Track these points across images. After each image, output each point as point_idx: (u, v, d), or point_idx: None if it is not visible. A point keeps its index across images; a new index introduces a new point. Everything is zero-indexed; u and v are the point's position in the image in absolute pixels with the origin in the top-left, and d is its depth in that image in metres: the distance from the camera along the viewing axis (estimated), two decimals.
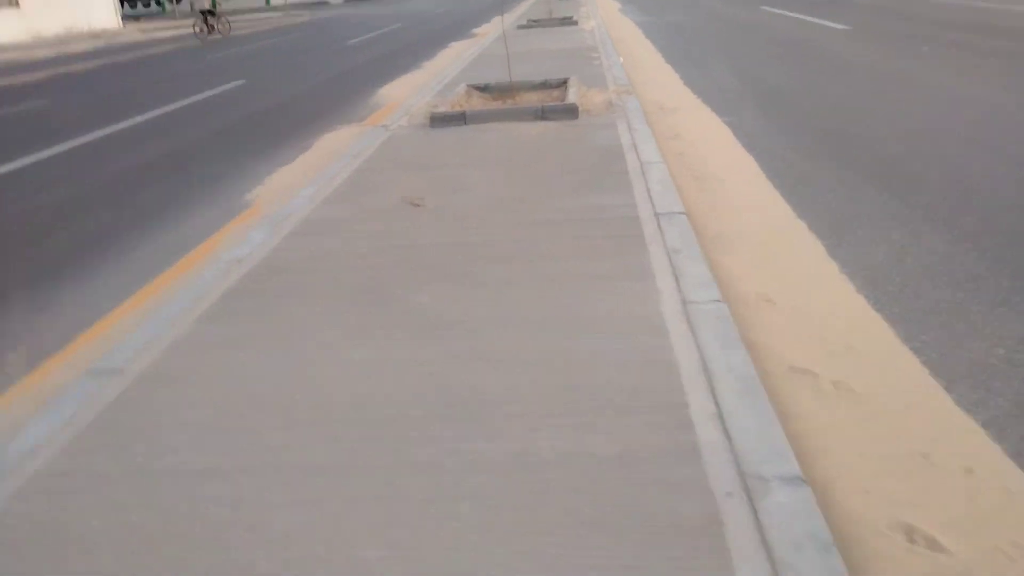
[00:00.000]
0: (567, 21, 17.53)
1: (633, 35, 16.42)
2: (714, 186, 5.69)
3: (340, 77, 13.46)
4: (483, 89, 9.05)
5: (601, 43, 13.60)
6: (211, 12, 23.79)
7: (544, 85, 8.95)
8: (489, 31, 19.28)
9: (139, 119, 10.45)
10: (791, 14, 17.88)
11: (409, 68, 13.77)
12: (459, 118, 7.39)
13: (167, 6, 43.72)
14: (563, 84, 8.86)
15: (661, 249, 3.98)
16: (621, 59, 11.86)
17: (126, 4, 56.25)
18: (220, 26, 24.61)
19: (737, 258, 4.29)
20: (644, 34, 16.52)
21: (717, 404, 2.55)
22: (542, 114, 7.31)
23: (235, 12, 49.26)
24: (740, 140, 6.99)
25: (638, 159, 5.77)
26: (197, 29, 23.78)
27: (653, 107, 8.51)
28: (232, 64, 17.12)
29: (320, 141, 8.21)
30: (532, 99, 8.42)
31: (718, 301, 3.36)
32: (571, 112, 7.28)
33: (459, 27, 22.63)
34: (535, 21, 18.12)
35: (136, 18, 51.15)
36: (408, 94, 10.33)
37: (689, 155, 6.58)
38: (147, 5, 56.86)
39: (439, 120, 7.41)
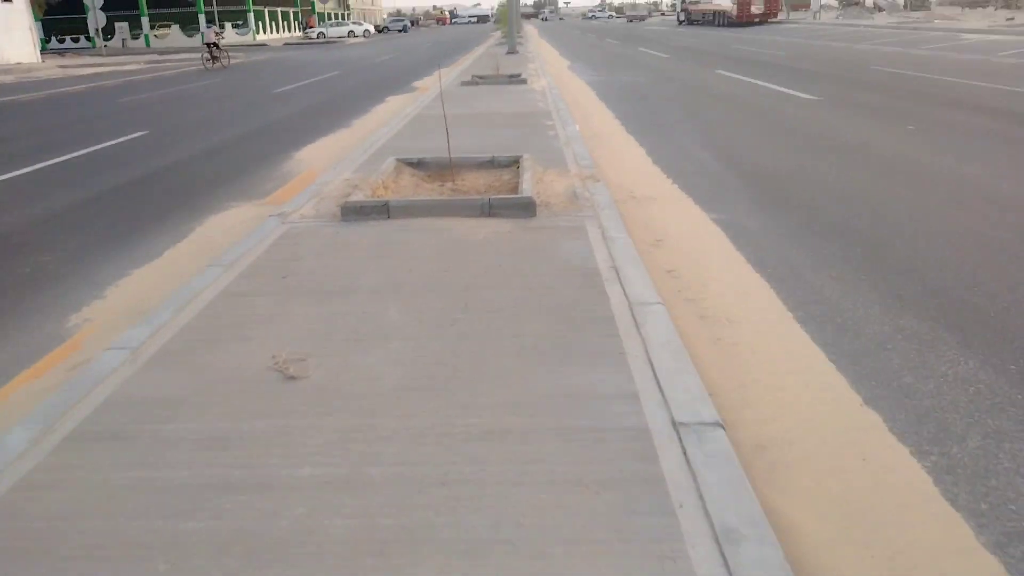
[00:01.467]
0: (515, 79, 16.00)
1: (587, 97, 14.95)
2: (730, 336, 3.97)
3: (255, 134, 11.55)
4: (416, 165, 7.27)
5: (554, 106, 12.02)
6: (216, 45, 27.91)
7: (492, 164, 7.22)
8: (431, 85, 17.63)
9: None
10: (748, 79, 16.70)
11: (335, 127, 11.95)
12: (381, 209, 5.57)
13: (96, 41, 41.20)
14: (515, 164, 7.15)
15: (704, 527, 2.20)
16: (577, 127, 10.27)
17: (53, 38, 53.30)
18: (223, 59, 28.02)
19: (812, 509, 2.53)
20: (597, 95, 15.07)
21: None
22: (490, 209, 5.55)
23: (167, 51, 46.92)
24: (741, 250, 5.34)
25: (624, 294, 4.03)
26: (205, 59, 27.75)
27: (623, 194, 6.85)
28: (142, 109, 15.04)
29: (201, 228, 6.29)
30: (477, 183, 6.67)
31: None
32: (527, 208, 5.54)
33: (400, 78, 20.97)
34: (481, 77, 16.55)
35: (62, 52, 48.29)
36: (326, 163, 8.49)
37: (683, 274, 4.89)
38: (76, 40, 53.96)
39: (354, 212, 5.58)
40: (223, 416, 2.88)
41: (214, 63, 27.65)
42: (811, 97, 13.55)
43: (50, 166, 9.28)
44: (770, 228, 5.83)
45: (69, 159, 9.70)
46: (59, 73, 28.83)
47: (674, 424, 2.74)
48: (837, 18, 52.57)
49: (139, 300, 4.63)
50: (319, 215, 5.80)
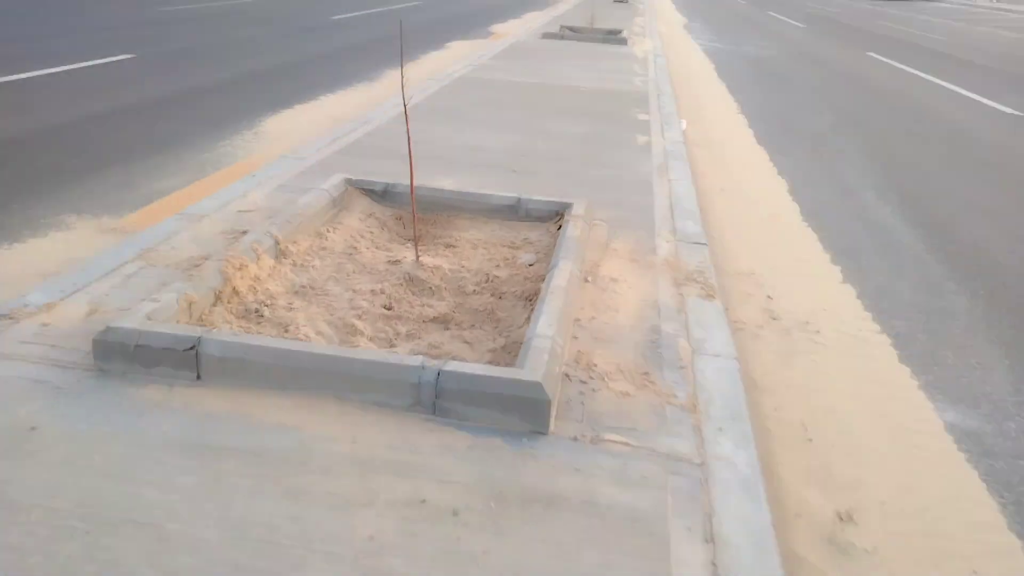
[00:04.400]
0: (613, 36, 12.20)
1: (702, 73, 11.10)
2: None
3: (262, 74, 8.28)
4: (379, 196, 3.90)
5: (656, 85, 8.33)
6: None
7: (515, 212, 3.81)
8: (513, 31, 14.00)
9: None
10: (913, 71, 12.46)
11: (359, 78, 8.59)
12: (183, 360, 2.23)
13: None
14: (555, 219, 3.72)
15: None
16: (684, 126, 6.65)
17: None
18: None
19: None
20: (717, 72, 11.21)
21: None
22: (432, 401, 2.18)
23: None
24: None
25: None
26: None
27: (757, 313, 3.37)
28: (164, 23, 11.95)
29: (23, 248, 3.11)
30: (470, 257, 3.25)
31: None
32: (529, 413, 2.19)
33: (481, 17, 17.32)
34: (571, 30, 12.83)
35: None
36: (280, 148, 5.21)
37: None
38: None
39: (119, 356, 2.27)
40: None
41: None
42: (1015, 112, 9.42)
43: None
44: None
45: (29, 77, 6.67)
46: None
47: None
48: (995, 1, 45.52)
49: None
50: (61, 341, 2.51)
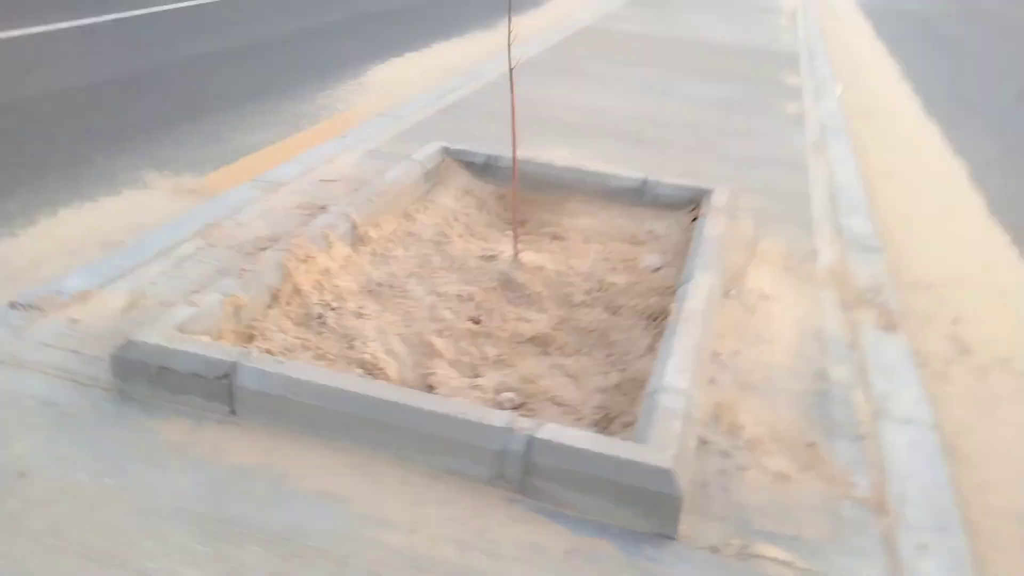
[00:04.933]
0: None
1: (857, 30, 9.85)
2: None
3: (375, 17, 7.82)
4: (480, 170, 3.32)
5: (807, 45, 7.32)
6: None
7: (640, 196, 3.19)
8: None
9: None
10: None
11: (474, 25, 7.97)
12: (215, 391, 1.74)
13: None
14: (689, 208, 3.06)
15: None
16: (840, 89, 5.74)
17: None
18: None
19: None
20: (875, 31, 9.92)
21: None
22: (520, 482, 1.61)
23: None
24: None
25: None
26: None
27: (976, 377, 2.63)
28: None
29: None
30: (581, 254, 2.63)
31: None
32: (657, 512, 1.58)
33: None
34: None
35: None
36: (387, 101, 4.72)
37: None
38: None
39: (142, 378, 1.80)
40: None
41: None
42: None
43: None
44: None
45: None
46: None
47: None
48: None
49: None
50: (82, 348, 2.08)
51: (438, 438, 1.66)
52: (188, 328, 1.91)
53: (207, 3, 7.98)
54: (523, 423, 1.65)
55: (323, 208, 2.92)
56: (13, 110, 4.42)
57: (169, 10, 7.45)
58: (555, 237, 2.88)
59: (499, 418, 1.66)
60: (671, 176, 3.24)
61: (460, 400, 1.84)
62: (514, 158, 2.61)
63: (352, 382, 1.76)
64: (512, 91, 2.43)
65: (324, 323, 2.19)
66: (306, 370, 1.79)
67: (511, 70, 2.42)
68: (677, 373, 1.86)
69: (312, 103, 5.00)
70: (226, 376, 1.77)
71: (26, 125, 4.22)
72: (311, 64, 5.93)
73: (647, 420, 1.70)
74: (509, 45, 2.47)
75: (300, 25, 7.35)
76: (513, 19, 7.81)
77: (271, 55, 6.13)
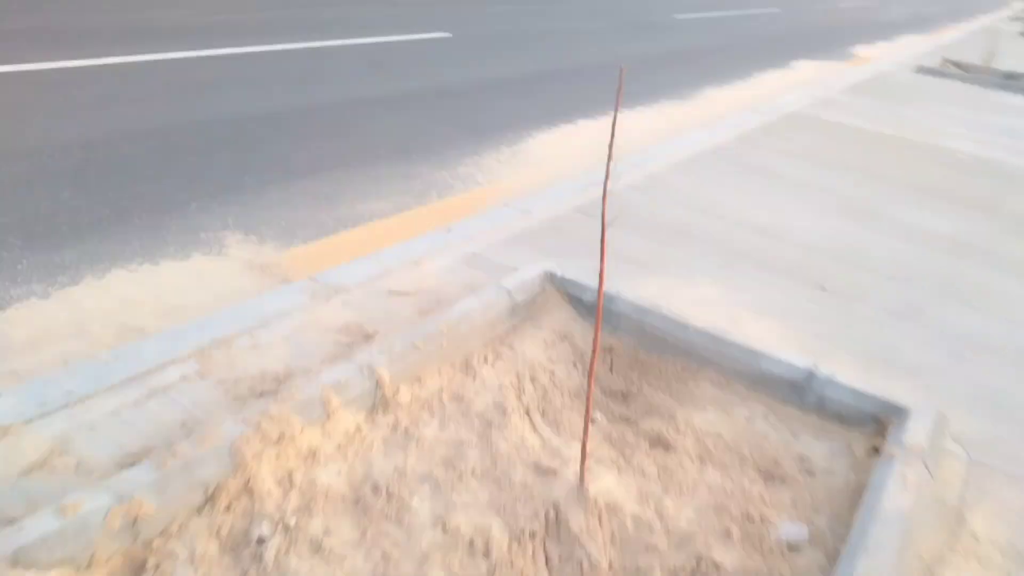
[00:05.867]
0: (1014, 82, 9.33)
1: None
2: None
3: (565, 73, 7.27)
4: (591, 307, 2.52)
5: None
6: None
7: (799, 397, 2.23)
8: (880, 57, 11.54)
9: None
10: None
11: (666, 94, 7.17)
12: None
13: None
14: (873, 430, 2.07)
15: None
16: None
17: None
18: None
19: None
20: None
21: None
22: None
23: None
24: None
25: None
26: None
27: None
28: (464, 6, 11.54)
29: None
30: (685, 488, 1.75)
31: None
32: None
33: (844, 33, 14.81)
34: (958, 66, 10.12)
35: None
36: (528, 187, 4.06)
37: None
38: None
39: None
40: None
41: None
42: None
43: (334, 46, 6.10)
44: None
45: (355, 43, 6.45)
46: None
47: None
48: None
49: None
50: None
51: None
52: (29, 556, 1.27)
53: (398, 41, 7.76)
54: None
55: (369, 337, 2.24)
56: (133, 139, 4.19)
57: (352, 44, 7.27)
58: (659, 441, 2.02)
59: None
60: (851, 363, 2.28)
61: None
62: (598, 320, 1.82)
63: None
64: (604, 213, 1.60)
65: (260, 556, 1.48)
66: None
67: (606, 179, 1.62)
68: None
69: (452, 170, 4.42)
70: None
71: (138, 160, 3.95)
72: (471, 121, 5.40)
73: None
74: (611, 148, 1.67)
75: (484, 73, 6.89)
76: (710, 93, 6.89)
77: (433, 106, 5.67)
